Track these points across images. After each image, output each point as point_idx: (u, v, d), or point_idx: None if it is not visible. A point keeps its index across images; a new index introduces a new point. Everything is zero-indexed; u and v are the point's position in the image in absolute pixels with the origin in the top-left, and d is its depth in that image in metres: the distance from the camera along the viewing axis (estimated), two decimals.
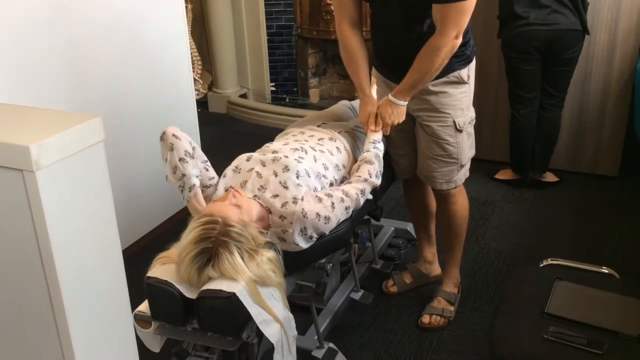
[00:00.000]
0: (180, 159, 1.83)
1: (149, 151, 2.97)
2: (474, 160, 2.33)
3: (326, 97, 4.93)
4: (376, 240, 2.76)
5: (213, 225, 1.61)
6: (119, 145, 2.79)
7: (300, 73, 4.81)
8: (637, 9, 3.12)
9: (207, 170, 1.93)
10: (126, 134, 2.83)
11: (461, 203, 2.35)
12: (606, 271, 1.93)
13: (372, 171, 1.98)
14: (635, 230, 2.91)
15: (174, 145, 1.84)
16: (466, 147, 2.23)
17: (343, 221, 1.88)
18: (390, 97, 2.09)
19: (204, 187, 1.89)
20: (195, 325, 1.62)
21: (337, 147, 2.10)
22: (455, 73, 2.10)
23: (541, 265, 1.99)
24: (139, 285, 1.66)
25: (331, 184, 1.98)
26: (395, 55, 2.14)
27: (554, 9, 2.93)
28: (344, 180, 2.05)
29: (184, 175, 1.84)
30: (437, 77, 2.07)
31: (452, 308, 2.41)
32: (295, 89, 4.87)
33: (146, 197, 2.99)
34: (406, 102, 2.09)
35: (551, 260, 1.99)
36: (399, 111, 2.09)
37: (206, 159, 1.94)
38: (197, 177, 1.87)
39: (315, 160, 1.97)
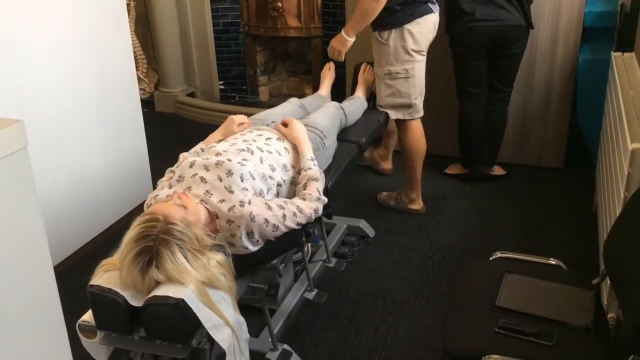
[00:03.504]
0: None
1: (92, 155, 2.87)
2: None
3: (276, 94, 4.89)
4: (329, 239, 2.75)
5: (154, 223, 1.54)
6: (60, 150, 2.68)
7: (249, 71, 4.76)
8: (577, 3, 3.19)
9: None
10: (68, 136, 2.72)
11: (406, 136, 2.96)
12: (553, 262, 1.96)
13: (320, 188, 1.98)
14: (580, 221, 2.98)
15: None
16: (382, 92, 2.85)
17: None
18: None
19: None
20: (142, 333, 1.56)
21: (285, 148, 2.07)
22: (376, 32, 2.75)
23: (491, 258, 2.01)
24: (83, 295, 1.59)
25: (279, 185, 1.95)
26: None
27: (499, 5, 2.97)
28: (292, 180, 2.02)
29: None
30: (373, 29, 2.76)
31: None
32: (244, 87, 4.81)
33: (89, 203, 2.87)
34: (346, 33, 2.72)
35: (500, 253, 2.02)
36: (337, 39, 2.76)
37: None
38: None
39: (261, 162, 1.93)
